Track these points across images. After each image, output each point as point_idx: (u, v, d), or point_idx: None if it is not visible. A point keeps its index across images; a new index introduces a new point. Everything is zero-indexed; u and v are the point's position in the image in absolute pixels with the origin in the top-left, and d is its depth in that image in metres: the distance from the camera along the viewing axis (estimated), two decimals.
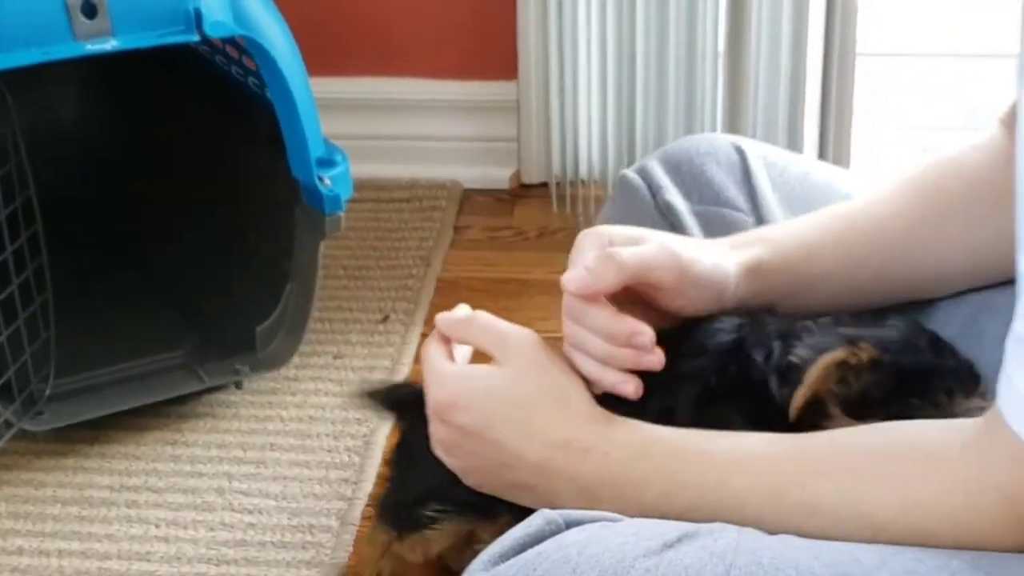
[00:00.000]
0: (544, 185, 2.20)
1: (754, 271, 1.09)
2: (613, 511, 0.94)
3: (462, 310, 1.08)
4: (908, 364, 0.99)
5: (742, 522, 0.91)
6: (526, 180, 2.22)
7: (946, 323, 1.10)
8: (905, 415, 0.95)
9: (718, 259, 1.08)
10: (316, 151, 1.62)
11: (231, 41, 1.64)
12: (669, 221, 1.25)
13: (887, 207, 1.12)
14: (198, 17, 1.48)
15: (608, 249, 1.03)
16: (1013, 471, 0.85)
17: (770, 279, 1.09)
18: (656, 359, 1.01)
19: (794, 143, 1.99)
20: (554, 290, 1.04)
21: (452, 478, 1.07)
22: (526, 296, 1.94)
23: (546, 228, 2.14)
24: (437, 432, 1.04)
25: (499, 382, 1.02)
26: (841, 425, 0.98)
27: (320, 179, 1.61)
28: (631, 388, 1.02)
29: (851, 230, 1.12)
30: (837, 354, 0.98)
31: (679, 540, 0.87)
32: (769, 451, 0.95)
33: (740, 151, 1.28)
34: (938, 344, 1.02)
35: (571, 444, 0.99)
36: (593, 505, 0.96)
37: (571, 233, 2.08)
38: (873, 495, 0.90)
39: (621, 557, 0.85)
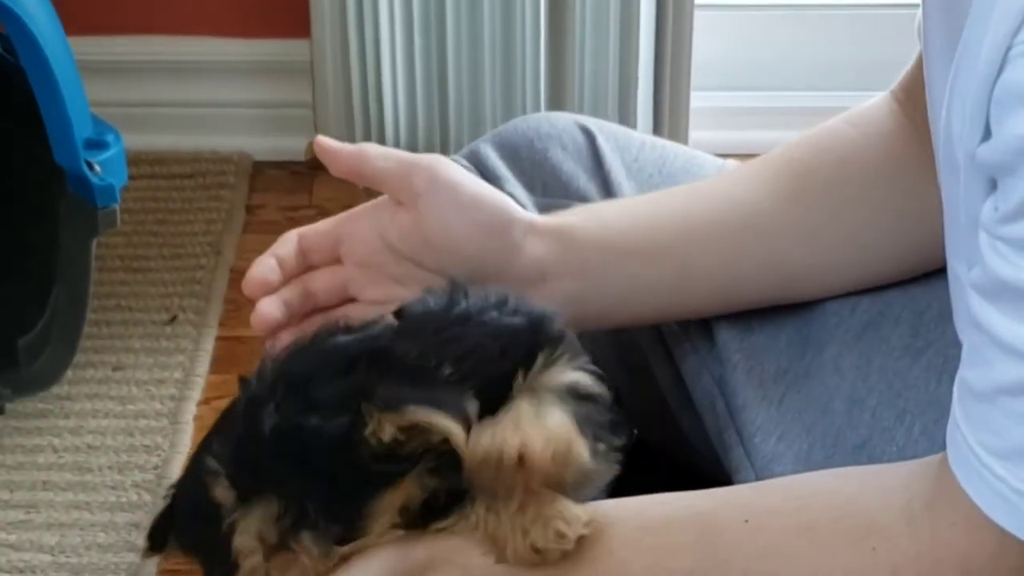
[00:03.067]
0: None
1: (560, 233, 0.95)
2: None
3: None
4: None
5: None
6: None
7: (838, 327, 0.98)
8: None
9: (504, 198, 0.96)
10: (83, 132, 1.43)
11: None
12: None
13: (740, 185, 1.00)
14: None
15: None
16: (972, 544, 0.75)
17: (581, 249, 0.96)
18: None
19: (625, 102, 1.85)
20: None
21: None
22: None
23: (351, 206, 1.91)
24: None
25: None
26: None
27: (89, 165, 1.42)
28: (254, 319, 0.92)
29: (696, 208, 0.99)
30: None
31: None
32: (668, 524, 0.82)
33: (587, 133, 1.13)
34: None
35: None
36: None
37: None
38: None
39: None
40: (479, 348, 0.81)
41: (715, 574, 0.80)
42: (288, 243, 0.94)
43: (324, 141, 0.94)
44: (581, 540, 0.79)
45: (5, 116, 1.53)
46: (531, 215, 0.96)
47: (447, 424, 0.77)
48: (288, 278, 0.93)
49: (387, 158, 0.93)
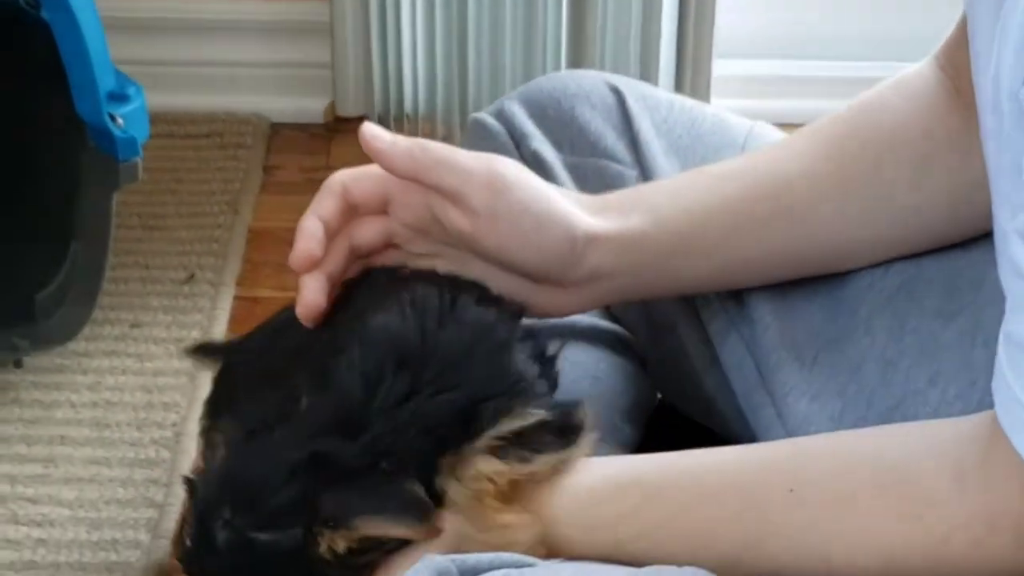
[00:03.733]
0: (363, 119, 1.95)
1: (619, 241, 0.93)
2: None
3: None
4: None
5: None
6: (342, 113, 2.00)
7: (871, 289, 0.97)
8: None
9: (567, 214, 0.91)
10: (106, 84, 1.39)
11: None
12: (538, 175, 1.06)
13: (792, 166, 0.97)
14: None
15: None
16: None
17: (639, 253, 0.94)
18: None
19: (647, 65, 1.82)
20: None
21: None
22: None
23: None
24: None
25: None
26: None
27: (112, 118, 1.38)
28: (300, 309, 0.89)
29: (747, 195, 0.97)
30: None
31: None
32: (718, 493, 0.81)
33: (616, 91, 1.12)
34: None
35: None
36: None
37: None
38: (841, 548, 0.78)
39: None
40: (410, 439, 0.81)
41: (760, 547, 0.79)
42: (332, 196, 0.90)
43: (373, 135, 0.90)
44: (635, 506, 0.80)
45: (24, 70, 1.49)
46: (590, 224, 0.92)
47: (397, 529, 0.78)
48: (332, 236, 0.90)
49: (441, 167, 0.89)
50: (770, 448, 0.87)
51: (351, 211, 0.91)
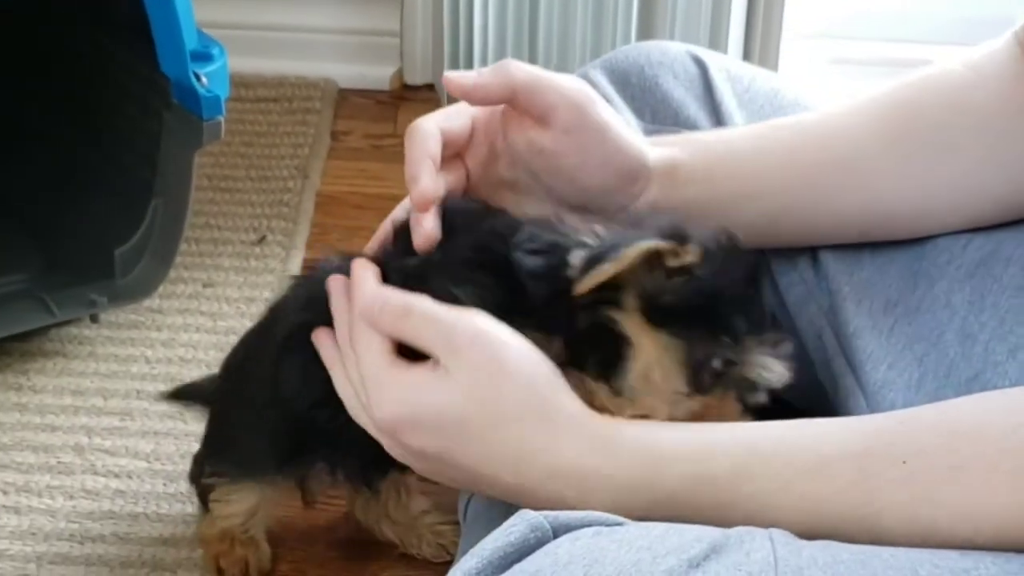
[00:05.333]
0: (429, 87, 1.98)
1: (668, 173, 0.94)
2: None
3: (395, 300, 0.85)
4: (720, 287, 0.85)
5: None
6: (409, 80, 2.00)
7: (949, 264, 0.96)
8: (691, 337, 0.84)
9: (642, 144, 0.93)
10: (190, 42, 1.38)
11: None
12: None
13: (845, 121, 0.97)
14: None
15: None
16: None
17: (685, 188, 0.95)
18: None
19: (716, 36, 1.81)
20: None
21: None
22: None
23: None
24: (391, 448, 0.85)
25: (452, 399, 0.81)
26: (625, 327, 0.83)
27: (196, 76, 1.37)
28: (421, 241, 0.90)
29: (794, 142, 0.97)
30: (658, 243, 0.82)
31: (706, 557, 0.72)
32: (821, 468, 0.80)
33: (699, 62, 1.12)
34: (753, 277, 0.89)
35: (560, 473, 0.81)
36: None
37: None
38: (953, 520, 0.77)
39: None
40: None
41: (868, 523, 0.77)
42: (433, 140, 0.90)
43: (458, 77, 0.91)
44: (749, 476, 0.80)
45: (105, 30, 1.51)
46: (652, 153, 0.94)
47: None
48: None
49: (536, 84, 0.90)
50: (874, 420, 0.85)
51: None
